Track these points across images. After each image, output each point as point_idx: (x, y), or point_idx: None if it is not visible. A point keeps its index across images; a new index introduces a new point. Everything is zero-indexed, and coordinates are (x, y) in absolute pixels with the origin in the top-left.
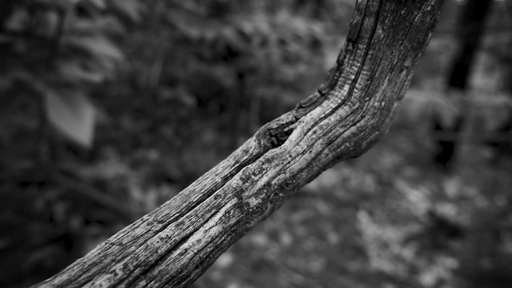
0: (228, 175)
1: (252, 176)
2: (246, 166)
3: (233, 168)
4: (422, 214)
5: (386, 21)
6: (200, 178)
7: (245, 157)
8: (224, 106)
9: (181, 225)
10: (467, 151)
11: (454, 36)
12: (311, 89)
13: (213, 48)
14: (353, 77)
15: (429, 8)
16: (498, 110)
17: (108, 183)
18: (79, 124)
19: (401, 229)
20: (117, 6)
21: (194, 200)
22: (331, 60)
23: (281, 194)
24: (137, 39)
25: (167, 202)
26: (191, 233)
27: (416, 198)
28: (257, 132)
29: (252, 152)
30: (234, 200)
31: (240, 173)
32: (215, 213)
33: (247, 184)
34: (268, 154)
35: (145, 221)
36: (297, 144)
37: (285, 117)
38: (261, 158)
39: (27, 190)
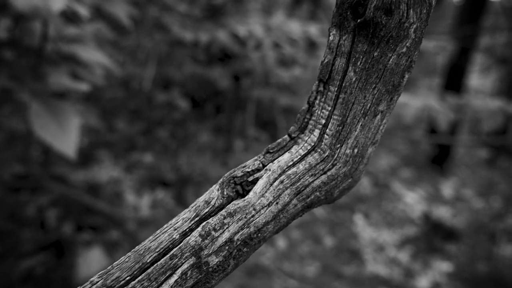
0: (187, 230)
1: (213, 232)
2: (207, 221)
3: (192, 222)
4: (418, 217)
5: (358, 63)
6: (158, 231)
7: (206, 210)
8: (220, 108)
9: None
10: (463, 152)
11: (450, 37)
12: (307, 91)
13: (208, 51)
14: (323, 121)
15: (404, 49)
16: (494, 114)
17: (102, 187)
18: (64, 135)
19: (397, 232)
20: (107, 11)
21: (148, 261)
22: None
23: (245, 249)
24: (130, 43)
25: (121, 260)
26: None
27: (413, 200)
28: (221, 180)
29: (214, 204)
30: (192, 260)
31: (199, 228)
32: (170, 275)
33: (206, 241)
34: (231, 207)
35: (94, 284)
36: (262, 195)
37: (251, 164)
38: (223, 212)
39: (18, 196)
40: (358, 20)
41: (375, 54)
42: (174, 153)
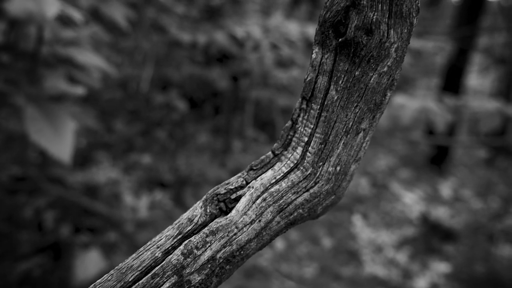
0: (170, 248)
1: (195, 251)
2: (189, 239)
3: (175, 240)
4: (417, 217)
5: (340, 82)
6: (142, 249)
7: (189, 227)
8: (219, 109)
9: None
10: (462, 152)
11: (449, 37)
12: None
13: (206, 52)
14: (306, 139)
15: (385, 69)
16: (491, 115)
17: (100, 189)
18: (59, 140)
19: (395, 233)
20: (104, 13)
21: (130, 279)
22: None
23: (228, 267)
24: (127, 44)
25: (103, 278)
26: None
27: (411, 201)
28: (204, 197)
29: (197, 221)
30: (174, 279)
31: (182, 247)
32: None
33: (188, 259)
34: (213, 225)
35: None
36: (245, 213)
37: (234, 181)
38: (205, 230)
39: (16, 198)
40: (340, 39)
41: (356, 73)
42: (173, 154)
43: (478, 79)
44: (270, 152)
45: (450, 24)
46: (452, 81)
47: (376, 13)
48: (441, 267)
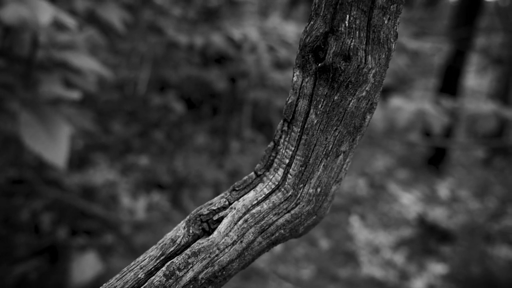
0: (153, 269)
1: (177, 272)
2: (171, 260)
3: (158, 261)
4: (414, 218)
5: (320, 106)
6: (125, 269)
7: (172, 248)
8: (217, 109)
9: None
10: (459, 152)
11: (446, 38)
12: None
13: (204, 53)
14: (287, 161)
15: (364, 93)
16: (487, 117)
17: (97, 190)
18: (54, 145)
19: (392, 233)
20: (101, 16)
21: None
22: None
23: (209, 287)
24: (124, 46)
25: None
26: None
27: (409, 201)
28: (187, 217)
29: (180, 242)
30: None
31: (164, 268)
32: None
33: (171, 280)
34: (195, 246)
35: None
36: (227, 235)
37: (217, 201)
38: (187, 251)
39: (12, 200)
40: (319, 64)
41: (335, 98)
42: (170, 155)
43: (476, 79)
44: (252, 173)
45: (448, 24)
46: (449, 82)
47: (353, 40)
48: (437, 268)
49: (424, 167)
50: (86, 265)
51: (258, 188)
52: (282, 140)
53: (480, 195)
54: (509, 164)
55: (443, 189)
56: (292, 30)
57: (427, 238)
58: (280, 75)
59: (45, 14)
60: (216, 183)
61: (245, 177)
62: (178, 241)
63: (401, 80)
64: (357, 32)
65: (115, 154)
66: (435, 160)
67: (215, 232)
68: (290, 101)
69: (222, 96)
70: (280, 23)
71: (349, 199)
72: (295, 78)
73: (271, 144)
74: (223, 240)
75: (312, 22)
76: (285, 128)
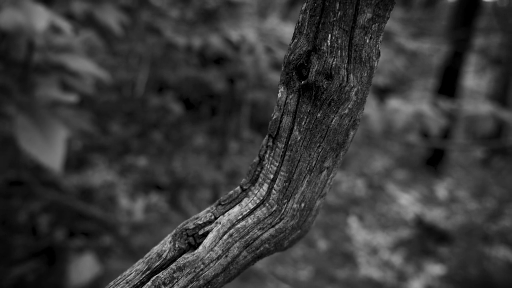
0: (138, 284)
1: (162, 287)
2: (157, 275)
3: (144, 275)
4: (412, 219)
5: (303, 123)
6: (112, 283)
7: (158, 263)
8: (215, 110)
9: None
10: (458, 152)
11: (445, 39)
12: None
13: (202, 54)
14: (272, 176)
15: (346, 111)
16: (485, 118)
17: (95, 192)
18: (50, 148)
19: (391, 234)
20: (98, 19)
21: None
22: None
23: None
24: (122, 47)
25: None
26: None
27: (407, 202)
28: (173, 231)
29: (166, 256)
30: None
31: (149, 283)
32: None
33: None
34: (181, 261)
35: None
36: (211, 249)
37: (203, 215)
38: (173, 266)
39: (10, 202)
40: (302, 82)
41: (318, 115)
42: (169, 156)
43: (474, 80)
44: (238, 187)
45: (446, 25)
46: (448, 82)
47: (335, 59)
48: (435, 269)
49: (422, 167)
50: (84, 267)
51: (243, 203)
52: (267, 155)
53: (478, 195)
54: (507, 165)
55: (442, 190)
56: (290, 31)
57: (425, 239)
58: (278, 76)
59: (41, 19)
60: (215, 184)
61: (231, 192)
62: (164, 256)
63: (399, 81)
64: (339, 51)
65: (113, 155)
66: (434, 161)
67: (200, 247)
68: (274, 117)
69: (220, 97)
70: (279, 23)
71: (347, 199)
72: (279, 95)
73: (257, 159)
74: (208, 255)
75: (295, 40)
76: (270, 143)
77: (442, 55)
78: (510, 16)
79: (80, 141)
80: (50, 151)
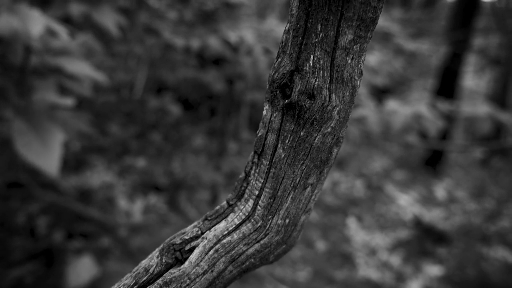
0: None
1: None
2: None
3: None
4: (411, 219)
5: (287, 141)
6: None
7: (145, 277)
8: (214, 111)
9: None
10: (457, 153)
11: (444, 39)
12: None
13: (200, 56)
14: (257, 192)
15: (329, 130)
16: (483, 120)
17: (94, 193)
18: (47, 153)
19: (389, 235)
20: (96, 21)
21: None
22: None
23: None
24: (120, 49)
25: None
26: None
27: (406, 203)
28: (161, 246)
29: (153, 271)
30: None
31: None
32: None
33: None
34: (167, 276)
35: None
36: (197, 265)
37: (190, 230)
38: (159, 281)
39: (8, 204)
40: (286, 101)
41: (301, 133)
42: (168, 157)
43: (473, 80)
44: (225, 202)
45: (445, 25)
46: (447, 83)
47: (317, 80)
48: (434, 270)
49: (421, 168)
50: (82, 268)
51: (229, 218)
52: (252, 172)
53: (477, 196)
54: (506, 165)
55: (440, 190)
56: None
57: (424, 240)
58: None
59: (37, 25)
60: (214, 185)
61: (218, 207)
62: (151, 270)
63: (398, 82)
64: (321, 72)
65: (112, 156)
66: (432, 161)
67: (187, 262)
68: (260, 134)
69: (219, 98)
70: (277, 24)
71: (346, 200)
72: (264, 112)
73: (243, 174)
74: (194, 270)
75: (279, 59)
76: (256, 160)
77: (441, 55)
78: (508, 17)
79: (78, 142)
80: (47, 155)
